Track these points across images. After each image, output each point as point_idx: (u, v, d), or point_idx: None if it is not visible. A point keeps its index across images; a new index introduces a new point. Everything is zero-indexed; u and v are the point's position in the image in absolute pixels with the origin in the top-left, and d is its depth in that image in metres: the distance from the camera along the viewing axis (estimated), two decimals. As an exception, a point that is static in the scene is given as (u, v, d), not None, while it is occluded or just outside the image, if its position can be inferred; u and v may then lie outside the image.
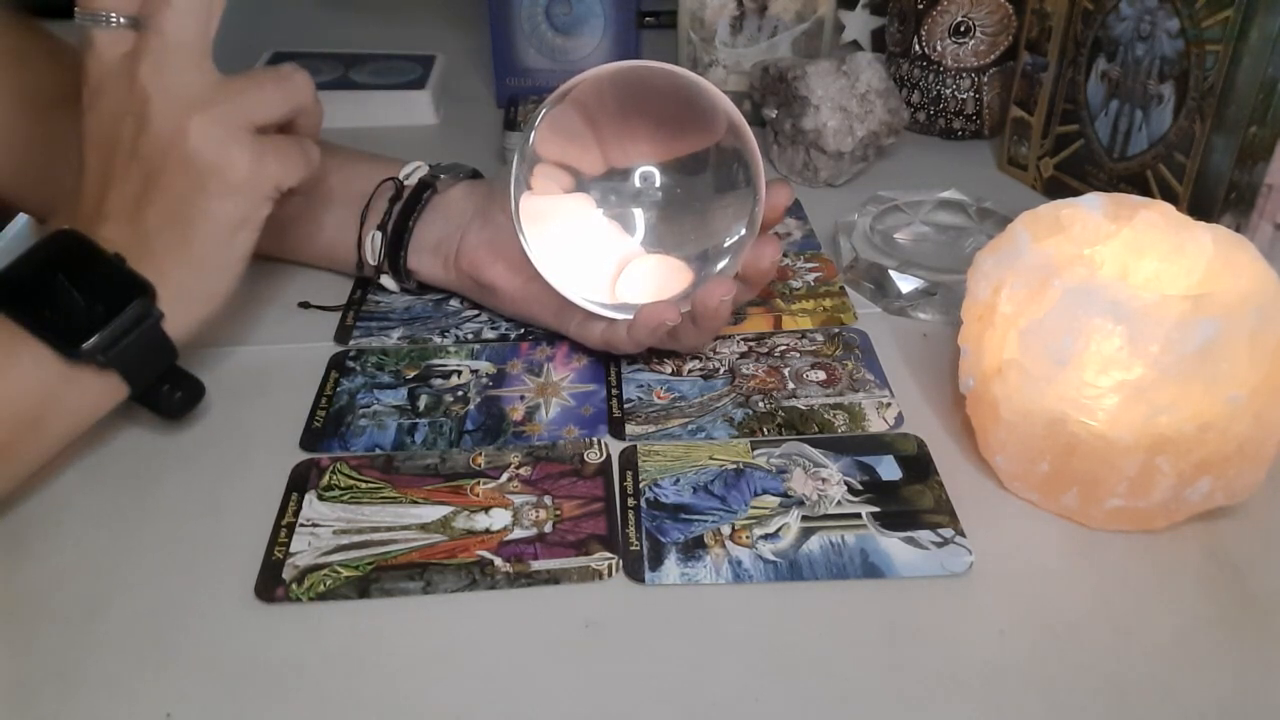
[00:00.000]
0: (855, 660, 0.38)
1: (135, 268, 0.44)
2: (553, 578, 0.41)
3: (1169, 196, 0.59)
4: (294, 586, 0.41)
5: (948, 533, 0.43)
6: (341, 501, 0.45)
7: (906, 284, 0.57)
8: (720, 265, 0.49)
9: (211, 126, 0.44)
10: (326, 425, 0.49)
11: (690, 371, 0.53)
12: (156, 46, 0.43)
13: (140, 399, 0.46)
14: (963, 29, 0.74)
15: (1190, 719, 0.37)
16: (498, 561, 0.42)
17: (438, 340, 0.55)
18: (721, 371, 0.53)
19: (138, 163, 0.44)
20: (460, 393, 0.52)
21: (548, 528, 0.44)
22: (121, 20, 0.44)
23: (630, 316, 0.48)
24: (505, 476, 0.46)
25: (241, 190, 0.45)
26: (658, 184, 0.50)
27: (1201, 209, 0.57)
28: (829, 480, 0.46)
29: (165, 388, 0.46)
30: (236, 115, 0.44)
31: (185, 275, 0.45)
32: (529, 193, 0.49)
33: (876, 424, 0.50)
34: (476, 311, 0.57)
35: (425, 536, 0.43)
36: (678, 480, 0.46)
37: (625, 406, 0.50)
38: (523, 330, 0.56)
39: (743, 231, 0.48)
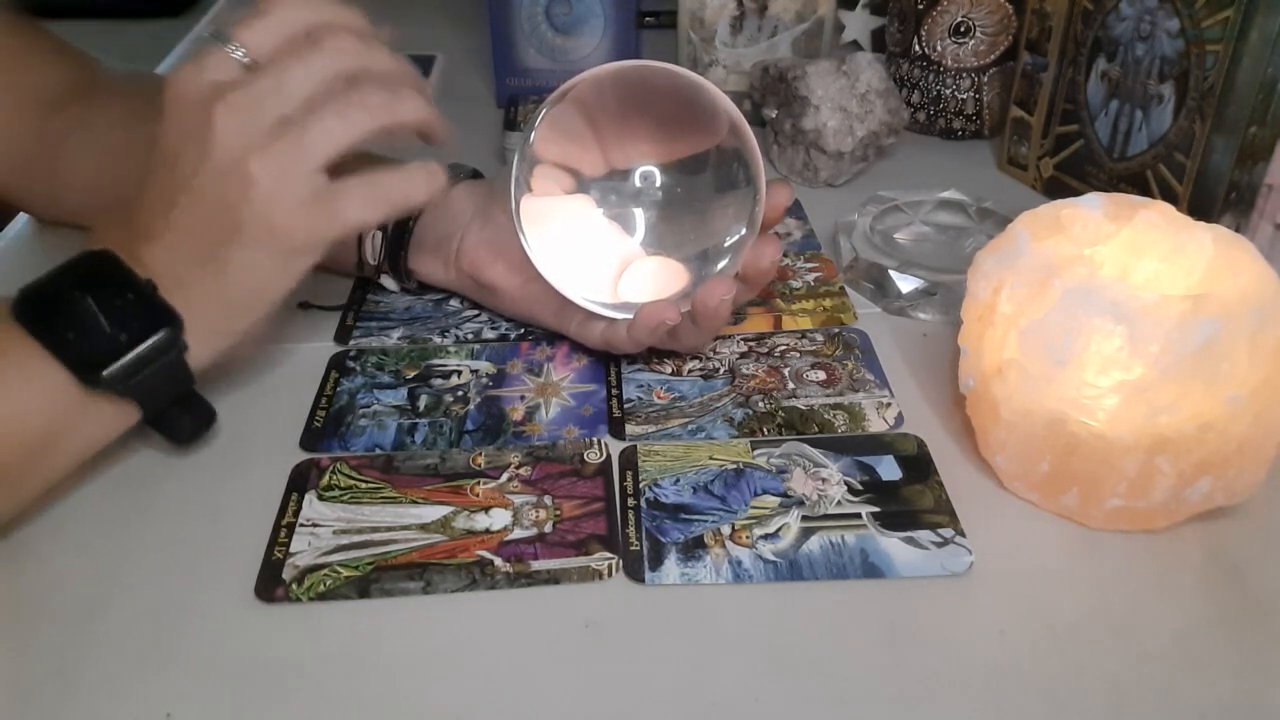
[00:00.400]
0: (855, 660, 0.38)
1: (166, 296, 0.43)
2: (553, 578, 0.41)
3: (1169, 196, 0.59)
4: (294, 586, 0.41)
5: (948, 533, 0.43)
6: (341, 501, 0.45)
7: (906, 284, 0.57)
8: (720, 265, 0.49)
9: (270, 173, 0.42)
10: (326, 425, 0.49)
11: (690, 371, 0.53)
12: (249, 84, 0.42)
13: (150, 422, 0.45)
14: (963, 29, 0.74)
15: (1190, 719, 0.37)
16: (498, 561, 0.42)
17: (438, 340, 0.55)
18: (721, 371, 0.53)
19: (192, 192, 0.43)
20: (460, 393, 0.52)
21: (548, 528, 0.44)
22: (244, 57, 0.42)
23: (630, 316, 0.48)
24: (505, 476, 0.46)
25: (285, 247, 0.43)
26: (658, 184, 0.50)
27: (1201, 209, 0.57)
28: (829, 480, 0.46)
29: (175, 410, 0.45)
30: (298, 159, 0.42)
31: (213, 312, 0.44)
32: (529, 193, 0.49)
33: (876, 424, 0.50)
34: (476, 311, 0.57)
35: (425, 536, 0.43)
36: (678, 480, 0.46)
37: (625, 406, 0.50)
38: (523, 330, 0.56)
39: (743, 231, 0.48)
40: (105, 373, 0.41)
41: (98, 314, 0.41)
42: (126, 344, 0.42)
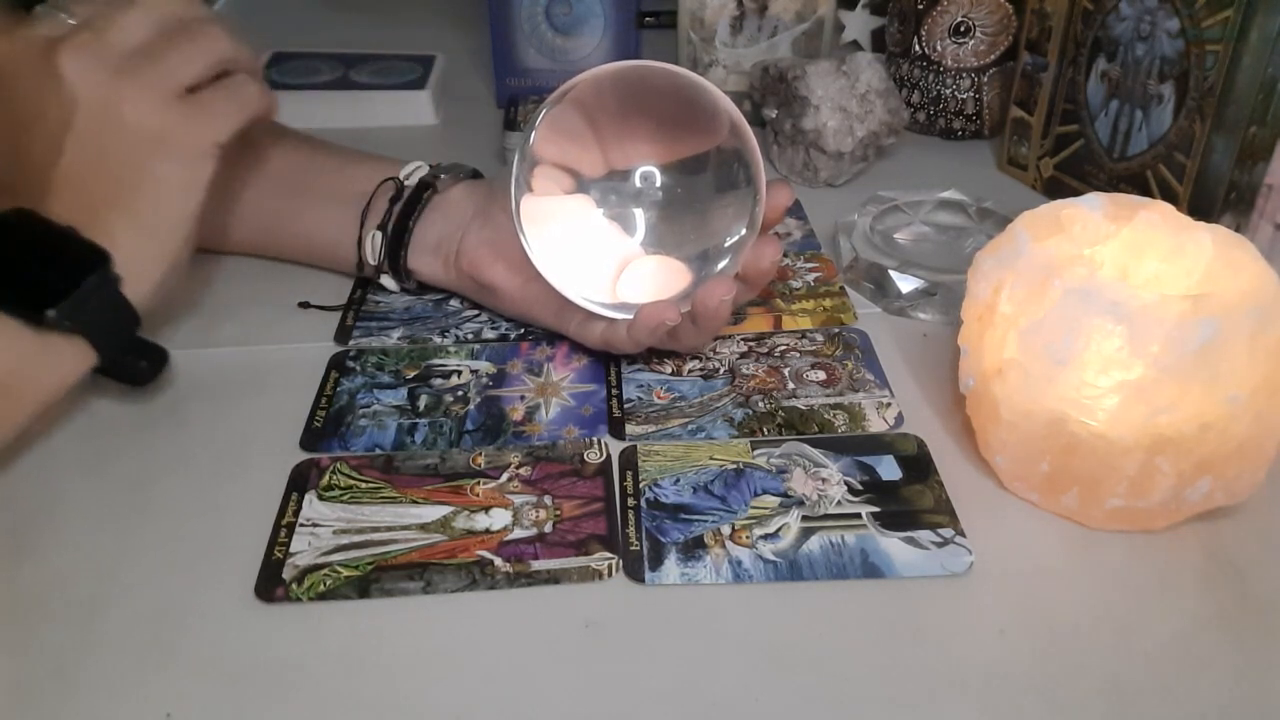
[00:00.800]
0: (855, 660, 0.38)
1: (88, 236, 0.44)
2: (553, 578, 0.41)
3: (1169, 196, 0.59)
4: (294, 586, 0.41)
5: (948, 533, 0.43)
6: (341, 501, 0.45)
7: (906, 284, 0.57)
8: (720, 265, 0.49)
9: (141, 94, 0.45)
10: (326, 425, 0.49)
11: (690, 371, 0.53)
12: (86, 27, 0.45)
13: (107, 371, 0.47)
14: (963, 29, 0.74)
15: (1190, 719, 0.37)
16: (498, 561, 0.42)
17: (438, 340, 0.55)
18: (721, 371, 0.53)
19: (72, 137, 0.45)
20: (460, 393, 0.52)
21: (548, 528, 0.44)
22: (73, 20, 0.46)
23: (630, 316, 0.48)
24: (505, 476, 0.46)
25: (181, 152, 0.46)
26: (658, 184, 0.50)
27: (1201, 209, 0.57)
28: (829, 480, 0.46)
29: (129, 357, 0.47)
30: (164, 80, 0.46)
31: (137, 239, 0.46)
32: (529, 193, 0.49)
33: (876, 424, 0.50)
34: (476, 311, 0.57)
35: (425, 536, 0.43)
36: (678, 480, 0.46)
37: (625, 406, 0.50)
38: (523, 330, 0.56)
39: (743, 231, 0.48)
40: (50, 312, 0.42)
41: (30, 263, 0.43)
42: (63, 286, 0.43)
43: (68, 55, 0.44)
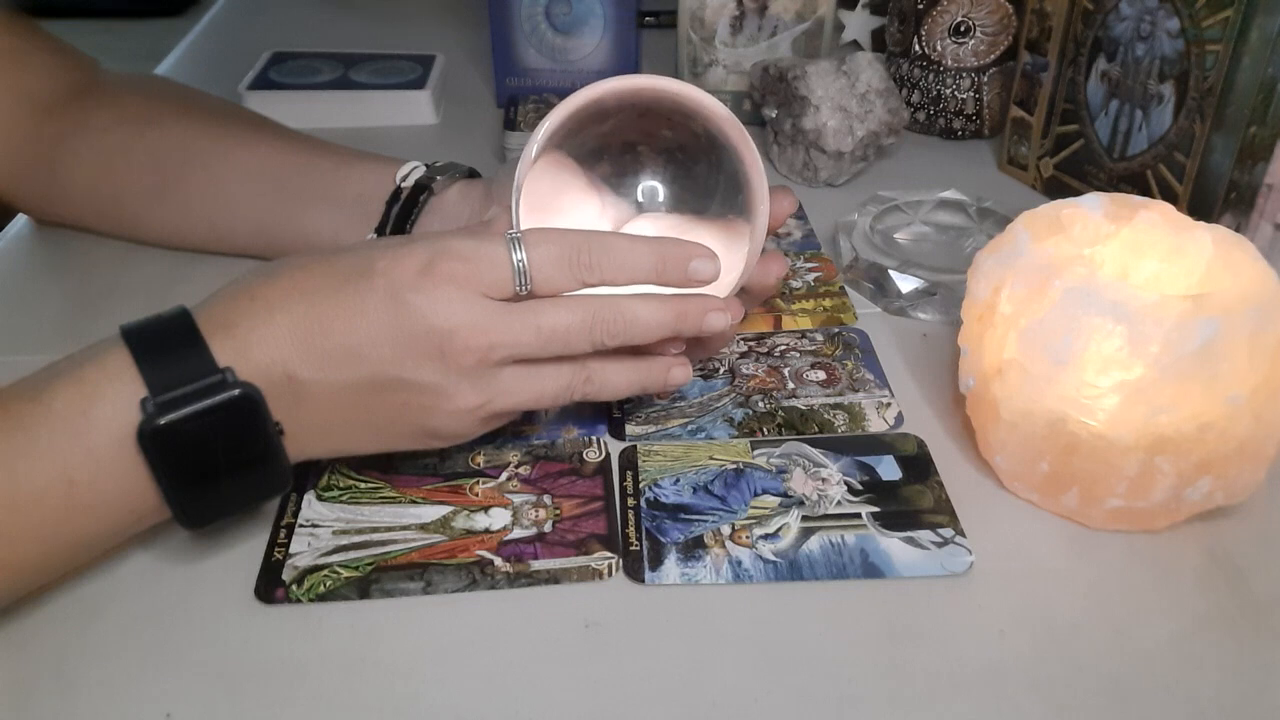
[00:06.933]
0: (855, 660, 0.38)
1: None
2: (552, 577, 0.41)
3: (1169, 196, 0.59)
4: (294, 587, 0.41)
5: (948, 533, 0.43)
6: (341, 502, 0.45)
7: (906, 284, 0.57)
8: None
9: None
10: (326, 425, 0.49)
11: (690, 371, 0.53)
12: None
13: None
14: (963, 29, 0.74)
15: (1190, 719, 0.37)
16: (498, 561, 0.42)
17: (438, 340, 0.55)
18: (721, 371, 0.53)
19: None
20: (460, 393, 0.51)
21: (547, 527, 0.44)
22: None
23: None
24: (504, 476, 0.46)
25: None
26: (660, 198, 0.50)
27: (1201, 209, 0.57)
28: (829, 480, 0.46)
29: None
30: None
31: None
32: (529, 204, 0.49)
33: (876, 424, 0.50)
34: (476, 311, 0.57)
35: (425, 536, 0.43)
36: (678, 480, 0.46)
37: (625, 406, 0.50)
38: (523, 330, 0.56)
39: (748, 244, 0.48)
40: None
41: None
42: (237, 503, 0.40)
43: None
